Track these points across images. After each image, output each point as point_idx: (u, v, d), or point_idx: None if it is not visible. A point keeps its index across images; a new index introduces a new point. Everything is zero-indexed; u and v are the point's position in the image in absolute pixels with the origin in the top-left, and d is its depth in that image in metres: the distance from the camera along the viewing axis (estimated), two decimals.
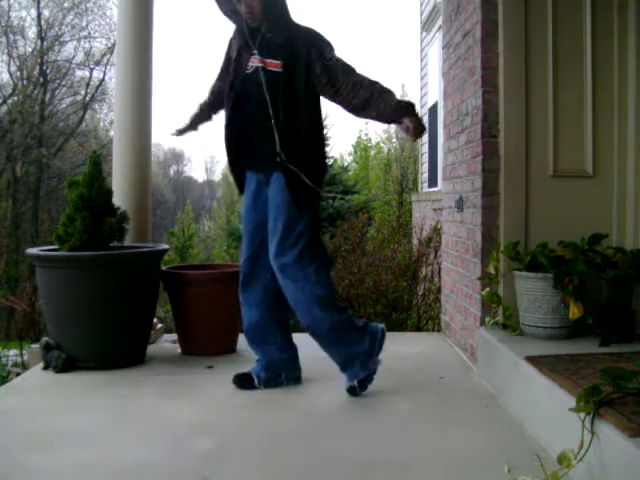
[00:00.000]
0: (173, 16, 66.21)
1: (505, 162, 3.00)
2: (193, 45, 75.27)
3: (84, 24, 20.24)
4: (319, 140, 2.80)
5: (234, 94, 2.73)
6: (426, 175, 9.72)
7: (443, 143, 4.12)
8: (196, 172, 46.01)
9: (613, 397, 1.82)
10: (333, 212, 10.92)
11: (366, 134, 19.69)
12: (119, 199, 3.58)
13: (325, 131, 2.82)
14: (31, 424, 2.43)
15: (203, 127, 3.05)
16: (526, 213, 3.00)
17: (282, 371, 2.89)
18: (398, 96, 2.73)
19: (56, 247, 3.28)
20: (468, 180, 3.31)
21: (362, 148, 18.83)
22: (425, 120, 8.62)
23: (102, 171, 3.35)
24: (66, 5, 20.05)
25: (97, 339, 3.17)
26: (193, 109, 3.02)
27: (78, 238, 3.16)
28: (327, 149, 12.47)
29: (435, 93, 8.40)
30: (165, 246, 3.57)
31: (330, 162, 12.67)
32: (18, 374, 3.74)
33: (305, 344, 3.03)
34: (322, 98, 2.77)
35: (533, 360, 2.38)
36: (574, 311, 2.63)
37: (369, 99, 2.68)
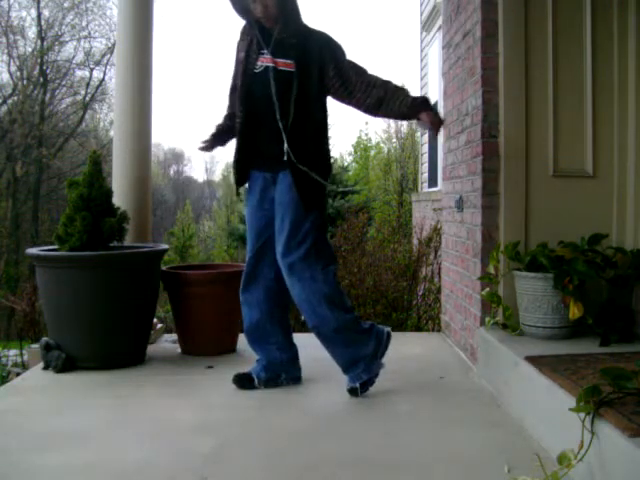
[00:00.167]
0: (173, 16, 66.23)
1: (505, 162, 3.00)
2: (193, 45, 75.31)
3: (84, 24, 20.26)
4: (325, 140, 2.80)
5: (243, 94, 2.72)
6: (426, 175, 9.72)
7: (443, 143, 4.12)
8: (196, 172, 46.02)
9: (613, 397, 1.81)
10: (333, 212, 10.92)
11: (366, 134, 19.72)
12: (119, 199, 3.58)
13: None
14: (31, 424, 2.43)
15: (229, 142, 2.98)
16: (526, 213, 3.00)
17: (282, 371, 2.89)
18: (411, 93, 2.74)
19: (56, 247, 3.28)
20: (468, 180, 3.31)
21: (362, 148, 18.84)
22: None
23: (102, 171, 3.35)
24: (66, 5, 20.07)
25: (97, 339, 3.17)
26: (213, 129, 2.95)
27: (78, 238, 3.16)
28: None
29: (435, 93, 8.40)
30: (165, 246, 3.57)
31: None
32: (18, 374, 3.74)
33: (305, 344, 3.03)
34: (333, 100, 2.78)
35: (533, 360, 2.38)
36: (574, 311, 2.62)
37: (383, 98, 2.70)
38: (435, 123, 2.74)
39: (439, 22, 7.39)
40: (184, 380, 3.03)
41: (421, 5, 10.58)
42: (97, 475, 2.00)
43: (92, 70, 20.66)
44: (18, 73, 19.74)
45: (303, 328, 4.65)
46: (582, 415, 1.79)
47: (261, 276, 2.83)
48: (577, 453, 1.75)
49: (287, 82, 2.65)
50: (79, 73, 20.94)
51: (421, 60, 10.58)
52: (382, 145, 19.27)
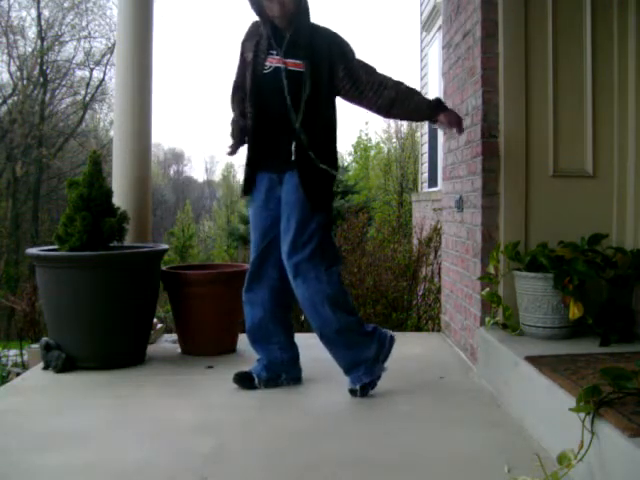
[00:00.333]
0: (173, 16, 66.24)
1: (505, 162, 3.00)
2: (193, 45, 75.31)
3: (84, 24, 20.27)
4: (334, 140, 2.79)
5: (253, 95, 2.71)
6: (426, 175, 9.72)
7: (443, 143, 4.12)
8: (196, 172, 46.03)
9: (613, 397, 1.81)
10: (333, 212, 10.92)
11: (366, 134, 19.73)
12: (119, 199, 3.58)
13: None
14: (31, 424, 2.43)
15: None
16: (526, 213, 3.00)
17: (283, 371, 2.89)
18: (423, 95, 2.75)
19: (56, 247, 3.28)
20: (468, 180, 3.31)
21: (362, 148, 18.84)
22: None
23: (102, 171, 3.35)
24: (66, 5, 20.08)
25: (97, 339, 3.17)
26: (234, 130, 2.90)
27: (78, 238, 3.16)
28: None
29: (435, 93, 8.40)
30: (165, 246, 3.57)
31: None
32: (18, 374, 3.74)
33: (305, 344, 3.03)
34: (343, 101, 2.78)
35: (533, 360, 2.38)
36: (574, 311, 2.62)
37: (395, 99, 2.71)
38: (454, 122, 2.77)
39: (439, 22, 7.39)
40: (184, 380, 3.03)
41: (421, 5, 10.58)
42: (97, 475, 2.00)
43: (92, 70, 20.69)
44: (18, 73, 19.76)
45: (303, 328, 4.66)
46: (582, 415, 1.79)
47: (265, 276, 2.82)
48: (577, 453, 1.75)
49: (297, 82, 2.65)
50: (79, 73, 20.98)
51: (421, 60, 10.58)
52: (382, 145, 19.29)
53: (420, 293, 5.49)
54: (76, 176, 3.89)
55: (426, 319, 5.28)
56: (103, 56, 20.39)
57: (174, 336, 3.79)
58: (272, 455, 2.14)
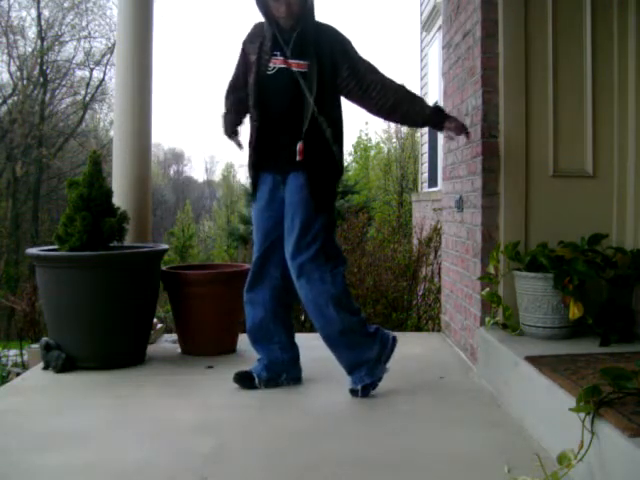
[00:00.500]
0: (173, 16, 66.21)
1: (505, 162, 3.00)
2: (194, 45, 75.29)
3: (84, 24, 20.27)
4: (340, 139, 2.77)
5: (257, 96, 2.71)
6: (426, 175, 9.72)
7: (443, 143, 4.12)
8: (196, 172, 46.04)
9: (613, 397, 1.81)
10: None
11: (366, 134, 19.71)
12: (119, 199, 3.58)
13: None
14: (31, 424, 2.43)
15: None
16: (526, 213, 3.00)
17: (283, 371, 2.89)
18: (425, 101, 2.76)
19: (56, 247, 3.28)
20: (468, 180, 3.31)
21: (362, 148, 18.83)
22: None
23: (102, 171, 3.35)
24: (66, 5, 20.08)
25: (97, 339, 3.17)
26: (223, 123, 2.93)
27: (78, 238, 3.16)
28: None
29: (435, 93, 8.40)
30: (165, 246, 3.57)
31: None
32: (18, 374, 3.74)
33: (305, 344, 3.03)
34: (345, 101, 2.78)
35: (533, 360, 2.38)
36: (574, 311, 2.62)
37: (397, 102, 2.71)
38: (460, 128, 2.78)
39: (439, 22, 7.39)
40: (184, 380, 3.03)
41: (421, 5, 10.58)
42: (97, 475, 2.00)
43: (92, 70, 20.69)
44: (18, 73, 19.76)
45: (304, 328, 4.66)
46: (582, 415, 1.79)
47: (267, 276, 2.82)
48: (577, 453, 1.75)
49: (303, 83, 2.64)
50: (79, 73, 20.98)
51: (421, 60, 10.58)
52: (382, 145, 19.27)
53: (420, 293, 5.49)
54: (76, 176, 3.90)
55: (426, 319, 5.28)
56: (103, 56, 20.42)
57: (174, 336, 3.79)
58: (272, 455, 2.14)
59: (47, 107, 20.18)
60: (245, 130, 2.90)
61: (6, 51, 19.27)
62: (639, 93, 2.96)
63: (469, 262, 3.31)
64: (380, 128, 19.57)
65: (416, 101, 2.75)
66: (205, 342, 3.47)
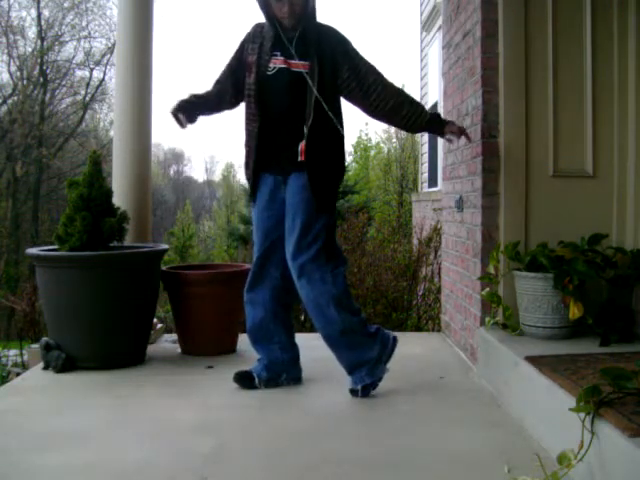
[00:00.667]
0: (173, 16, 66.22)
1: (505, 162, 3.00)
2: (194, 45, 75.29)
3: (84, 24, 20.28)
4: (341, 140, 2.77)
5: (257, 97, 2.70)
6: (426, 175, 9.72)
7: (443, 143, 4.12)
8: (196, 172, 46.06)
9: (613, 397, 1.81)
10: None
11: (366, 134, 19.70)
12: (119, 199, 3.58)
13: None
14: (31, 424, 2.43)
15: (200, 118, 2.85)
16: (526, 213, 3.00)
17: (283, 371, 2.89)
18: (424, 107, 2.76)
19: (56, 247, 3.28)
20: (468, 180, 3.31)
21: (362, 148, 18.83)
22: None
23: (102, 171, 3.35)
24: (66, 5, 20.08)
25: (97, 339, 3.17)
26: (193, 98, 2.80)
27: (78, 238, 3.16)
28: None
29: (435, 93, 8.40)
30: (165, 246, 3.57)
31: None
32: (18, 374, 3.74)
33: (305, 344, 3.03)
34: (345, 102, 2.77)
35: (533, 360, 2.38)
36: (574, 311, 2.62)
37: (396, 105, 2.71)
38: (459, 132, 2.80)
39: (439, 22, 7.39)
40: (184, 380, 3.03)
41: (421, 5, 10.58)
42: (97, 475, 2.00)
43: (92, 70, 20.70)
44: (18, 73, 19.76)
45: (304, 328, 4.66)
46: (582, 415, 1.79)
47: (267, 276, 2.82)
48: (577, 453, 1.75)
49: (303, 83, 2.64)
50: (79, 73, 20.98)
51: (421, 60, 10.58)
52: (382, 145, 19.27)
53: (420, 293, 5.49)
54: (76, 176, 3.89)
55: (426, 319, 5.28)
56: (103, 56, 20.42)
57: (174, 336, 3.79)
58: (272, 455, 2.14)
59: (47, 107, 20.19)
60: (200, 123, 2.86)
61: (6, 51, 19.30)
62: (639, 93, 2.97)
63: (469, 262, 3.31)
64: (380, 128, 19.61)
65: (416, 105, 2.76)
66: (205, 342, 3.47)
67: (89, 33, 20.39)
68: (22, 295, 5.29)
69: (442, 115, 3.14)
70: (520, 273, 2.81)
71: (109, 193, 3.36)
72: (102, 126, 22.70)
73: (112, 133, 5.71)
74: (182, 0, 58.97)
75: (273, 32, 2.70)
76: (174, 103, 2.76)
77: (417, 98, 2.98)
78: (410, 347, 3.58)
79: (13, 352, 4.98)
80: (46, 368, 3.17)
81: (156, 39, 3.91)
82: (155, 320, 3.78)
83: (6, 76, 19.80)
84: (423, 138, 10.28)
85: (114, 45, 16.79)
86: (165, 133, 63.27)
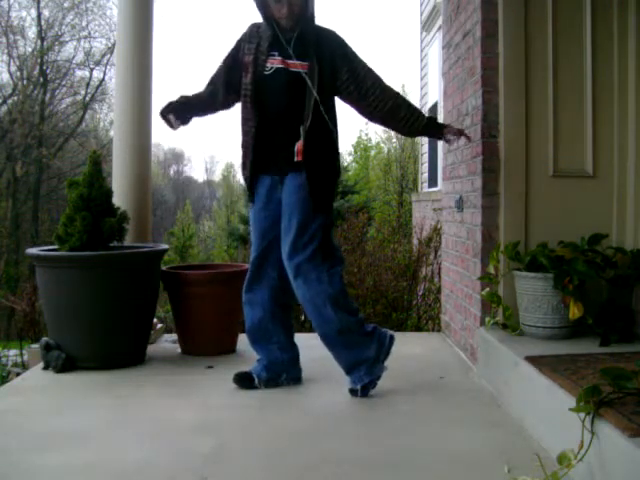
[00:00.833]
0: (173, 16, 66.22)
1: (505, 162, 3.00)
2: (194, 45, 75.29)
3: (84, 24, 20.28)
4: (336, 140, 2.78)
5: (254, 97, 2.70)
6: (426, 175, 9.72)
7: (443, 143, 4.11)
8: (196, 172, 46.09)
9: (613, 397, 1.81)
10: (333, 212, 10.91)
11: (366, 134, 19.73)
12: (119, 199, 3.58)
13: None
14: (31, 424, 2.43)
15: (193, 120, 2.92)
16: (526, 213, 3.00)
17: (283, 371, 2.89)
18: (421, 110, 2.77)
19: (56, 247, 3.28)
20: (468, 180, 3.31)
21: (362, 148, 18.85)
22: None
23: (102, 171, 3.35)
24: (66, 5, 20.08)
25: (97, 339, 3.17)
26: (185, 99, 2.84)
27: (78, 238, 3.16)
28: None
29: (435, 93, 8.41)
30: (165, 246, 3.57)
31: None
32: (18, 374, 3.74)
33: (305, 344, 3.03)
34: (342, 103, 2.78)
35: (533, 360, 2.38)
36: (574, 311, 2.62)
37: (394, 107, 2.72)
38: (458, 133, 2.81)
39: (439, 22, 7.39)
40: (184, 380, 3.03)
41: (421, 5, 10.58)
42: (97, 475, 2.00)
43: (92, 70, 20.70)
44: (18, 73, 19.76)
45: (303, 328, 4.66)
46: (582, 415, 1.79)
47: (265, 276, 2.83)
48: (577, 453, 1.75)
49: (301, 83, 2.65)
50: (79, 73, 20.98)
51: (421, 60, 10.58)
52: (382, 145, 19.29)
53: (420, 293, 5.49)
54: (76, 176, 3.89)
55: (426, 319, 5.28)
56: (103, 56, 20.42)
57: (174, 336, 3.79)
58: (272, 455, 2.14)
59: (47, 107, 20.19)
60: (192, 125, 2.89)
61: (6, 51, 19.30)
62: (639, 93, 2.97)
63: (469, 262, 3.31)
64: (380, 128, 19.57)
65: (413, 109, 2.77)
66: (205, 342, 3.47)
67: (89, 33, 20.42)
68: (22, 295, 5.29)
69: (442, 115, 3.14)
70: (520, 273, 2.81)
71: (109, 193, 3.36)
72: (102, 126, 22.74)
73: (112, 133, 5.71)
74: (182, 0, 58.96)
75: (271, 32, 2.70)
76: (163, 104, 2.80)
77: (417, 98, 2.98)
78: (410, 347, 3.58)
79: (13, 352, 4.97)
80: (46, 368, 3.17)
81: (156, 39, 3.91)
82: (155, 320, 3.78)
83: (6, 76, 19.84)
84: (423, 138, 10.29)
85: (114, 45, 16.79)
86: (165, 133, 63.38)
